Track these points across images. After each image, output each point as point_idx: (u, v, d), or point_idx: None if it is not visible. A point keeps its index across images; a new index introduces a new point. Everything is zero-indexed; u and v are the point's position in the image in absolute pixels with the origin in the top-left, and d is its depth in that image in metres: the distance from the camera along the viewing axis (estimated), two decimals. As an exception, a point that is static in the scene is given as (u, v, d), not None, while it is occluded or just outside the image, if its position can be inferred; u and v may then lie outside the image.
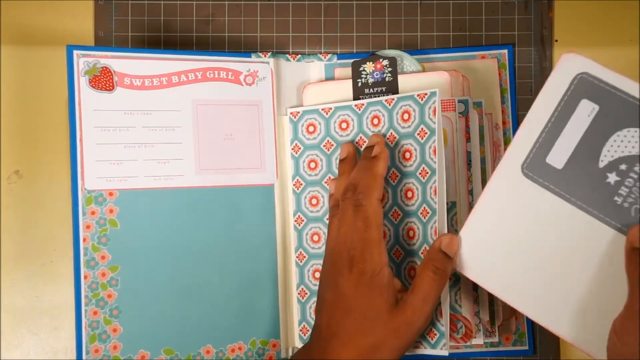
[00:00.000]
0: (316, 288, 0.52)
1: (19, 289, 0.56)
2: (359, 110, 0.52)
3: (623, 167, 0.42)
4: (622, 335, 0.38)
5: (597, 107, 0.42)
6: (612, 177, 0.42)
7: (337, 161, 0.52)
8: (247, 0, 0.58)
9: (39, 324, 0.56)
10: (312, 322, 0.50)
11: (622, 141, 0.42)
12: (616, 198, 0.42)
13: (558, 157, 0.44)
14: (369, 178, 0.47)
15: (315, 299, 0.53)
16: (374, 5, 0.58)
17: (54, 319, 0.56)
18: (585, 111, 0.42)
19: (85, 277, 0.51)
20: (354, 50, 0.57)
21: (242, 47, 0.57)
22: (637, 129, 0.41)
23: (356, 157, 0.51)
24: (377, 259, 0.44)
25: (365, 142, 0.51)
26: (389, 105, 0.50)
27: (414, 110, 0.49)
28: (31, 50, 0.57)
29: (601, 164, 0.42)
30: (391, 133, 0.50)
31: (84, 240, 0.51)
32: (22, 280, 0.56)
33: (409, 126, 0.49)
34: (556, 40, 0.57)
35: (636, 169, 0.42)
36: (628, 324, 0.38)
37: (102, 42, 0.57)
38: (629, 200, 0.42)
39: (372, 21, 0.58)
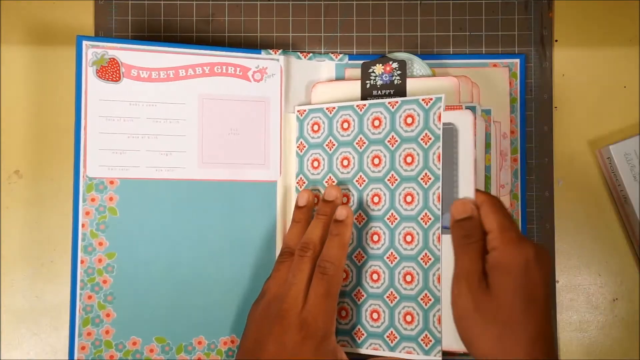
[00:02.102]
0: None
1: (19, 289, 0.56)
2: (361, 110, 0.52)
3: None
4: (455, 299, 0.44)
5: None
6: None
7: (338, 161, 0.52)
8: (247, 0, 0.58)
9: (39, 324, 0.56)
10: None
11: None
12: None
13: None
14: (338, 248, 0.48)
15: None
16: (374, 5, 0.58)
17: (54, 319, 0.56)
18: None
19: (82, 261, 0.52)
20: (354, 51, 0.57)
21: (242, 47, 0.57)
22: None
23: (313, 206, 0.52)
24: (329, 326, 0.46)
25: (364, 143, 0.51)
26: (392, 107, 0.50)
27: (418, 115, 0.49)
28: (31, 50, 0.57)
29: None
30: (392, 136, 0.50)
31: (83, 226, 0.52)
32: (22, 280, 0.56)
33: (412, 130, 0.49)
34: (556, 40, 0.57)
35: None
36: (455, 287, 0.44)
37: (102, 42, 0.57)
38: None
39: (372, 21, 0.58)
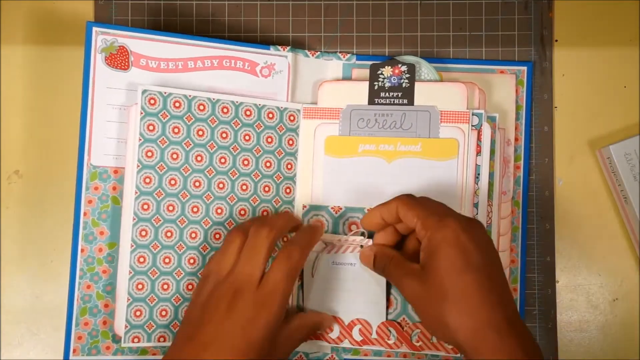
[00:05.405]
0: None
1: (19, 289, 0.56)
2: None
3: None
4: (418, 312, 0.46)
5: None
6: None
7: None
8: (247, 0, 0.58)
9: (39, 324, 0.56)
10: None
11: None
12: None
13: None
14: (309, 238, 0.50)
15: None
16: (374, 5, 0.58)
17: (54, 319, 0.56)
18: None
19: (82, 250, 0.52)
20: (354, 51, 0.57)
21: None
22: None
23: None
24: (283, 309, 0.47)
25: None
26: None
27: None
28: (31, 50, 0.57)
29: None
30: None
31: (85, 214, 0.52)
32: (22, 280, 0.56)
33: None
34: (556, 40, 0.57)
35: None
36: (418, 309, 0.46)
37: (102, 42, 0.57)
38: None
39: (372, 21, 0.58)
